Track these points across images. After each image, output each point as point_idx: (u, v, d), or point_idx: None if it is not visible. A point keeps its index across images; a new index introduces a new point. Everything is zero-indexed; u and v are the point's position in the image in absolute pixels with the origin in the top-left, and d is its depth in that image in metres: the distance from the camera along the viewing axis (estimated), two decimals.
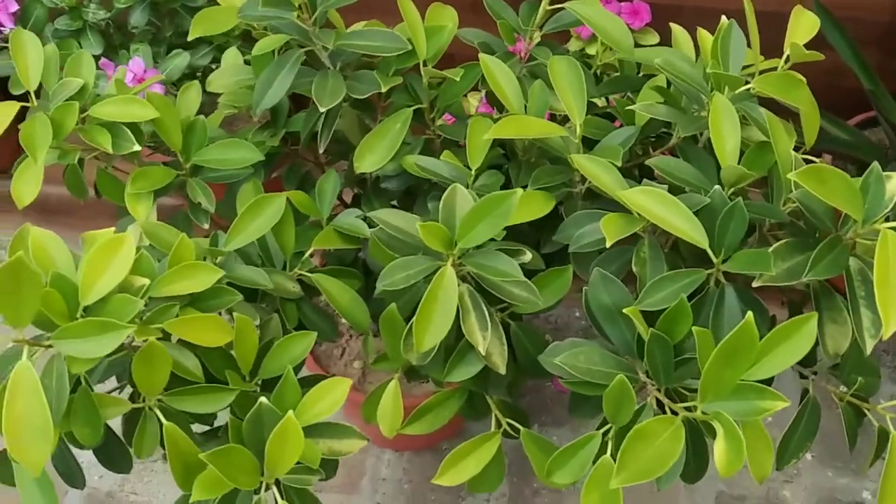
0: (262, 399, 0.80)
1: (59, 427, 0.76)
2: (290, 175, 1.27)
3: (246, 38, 1.50)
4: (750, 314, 0.72)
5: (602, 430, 0.86)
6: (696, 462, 0.87)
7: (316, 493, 1.65)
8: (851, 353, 0.93)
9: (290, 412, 0.76)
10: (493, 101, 1.11)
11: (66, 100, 0.97)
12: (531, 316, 1.81)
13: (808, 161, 0.97)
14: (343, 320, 1.52)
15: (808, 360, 0.97)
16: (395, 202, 1.20)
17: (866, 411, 0.93)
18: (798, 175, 0.76)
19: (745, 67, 1.02)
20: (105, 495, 1.66)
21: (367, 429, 1.70)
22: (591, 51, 1.39)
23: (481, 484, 1.04)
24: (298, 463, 0.80)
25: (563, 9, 1.05)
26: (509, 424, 1.04)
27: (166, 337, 0.83)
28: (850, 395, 0.92)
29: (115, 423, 0.95)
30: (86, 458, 1.67)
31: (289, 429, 0.76)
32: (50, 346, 0.74)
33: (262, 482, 0.81)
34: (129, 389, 0.90)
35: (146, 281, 0.79)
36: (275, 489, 0.81)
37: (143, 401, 0.85)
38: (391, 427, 1.05)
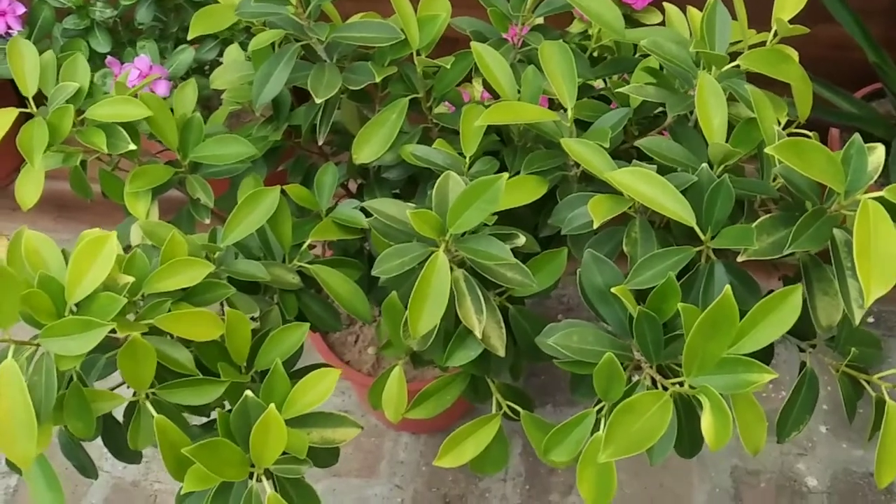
0: (248, 392, 0.82)
1: (51, 421, 0.79)
2: (296, 168, 1.29)
3: (250, 33, 1.52)
4: (728, 287, 0.73)
5: (597, 408, 0.87)
6: (690, 436, 0.88)
7: (334, 477, 1.68)
8: (845, 326, 0.94)
9: (272, 405, 0.78)
10: (489, 88, 1.13)
11: (63, 103, 1.00)
12: (542, 298, 1.83)
13: (801, 135, 0.97)
14: None
15: (806, 334, 0.98)
16: (397, 191, 1.22)
17: (864, 382, 0.93)
18: (775, 149, 0.77)
19: (734, 44, 1.02)
20: (130, 484, 1.70)
21: (383, 415, 1.73)
22: (594, 31, 1.40)
23: (484, 465, 1.05)
24: (286, 453, 0.82)
25: None
26: (510, 407, 1.06)
27: (160, 332, 0.85)
28: (844, 365, 0.92)
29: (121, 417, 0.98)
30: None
31: (270, 421, 0.78)
32: (38, 344, 0.77)
33: (253, 473, 0.83)
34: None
35: (130, 279, 0.82)
36: (265, 480, 0.82)
37: (136, 395, 0.88)
38: (396, 412, 1.07)
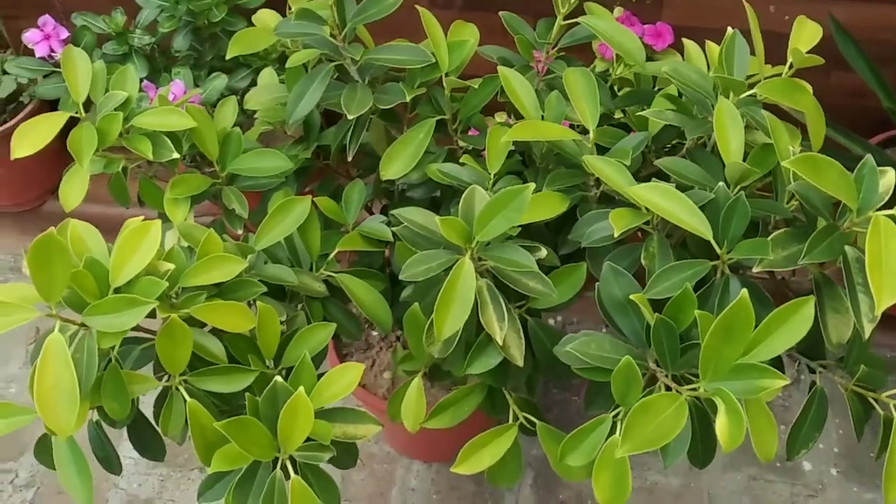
0: (278, 378, 0.85)
1: (89, 400, 0.82)
2: (322, 189, 1.33)
3: (282, 62, 1.58)
4: (744, 290, 0.76)
5: (612, 414, 0.90)
6: (703, 444, 0.90)
7: (346, 502, 1.70)
8: (855, 344, 0.96)
9: (301, 388, 0.81)
10: (512, 112, 1.17)
11: (112, 111, 1.05)
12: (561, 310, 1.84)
13: None
14: (374, 332, 1.58)
15: (816, 353, 1.01)
16: None
17: (872, 401, 0.96)
18: (793, 163, 0.81)
19: (750, 77, 1.07)
20: (144, 502, 1.72)
21: (396, 442, 1.75)
22: (614, 70, 1.44)
23: (500, 476, 1.08)
24: (311, 440, 0.85)
25: (577, 24, 1.11)
26: (526, 419, 1.09)
27: (194, 324, 0.89)
28: (853, 384, 0.95)
29: (149, 413, 1.01)
30: (127, 465, 1.73)
31: (299, 404, 0.82)
32: (82, 324, 0.80)
33: (278, 458, 0.85)
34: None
35: (171, 266, 0.86)
36: (290, 465, 0.85)
37: (170, 380, 0.91)
38: (414, 421, 1.09)
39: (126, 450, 1.78)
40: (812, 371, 1.02)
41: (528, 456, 1.75)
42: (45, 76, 1.63)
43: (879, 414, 0.96)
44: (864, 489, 1.69)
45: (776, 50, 1.15)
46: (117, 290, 0.83)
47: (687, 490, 1.70)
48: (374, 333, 1.58)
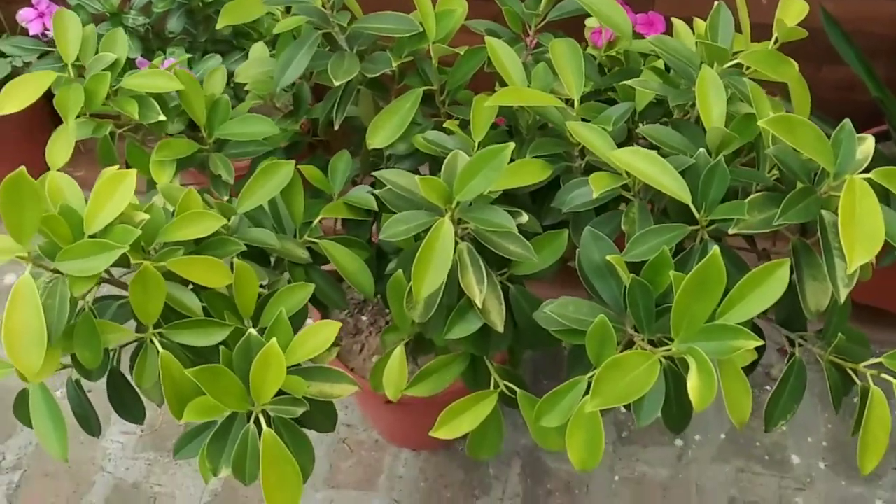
0: (252, 331, 0.85)
1: (60, 346, 0.82)
2: (312, 164, 1.33)
3: (275, 43, 1.58)
4: (716, 247, 0.76)
5: (588, 376, 0.90)
6: (678, 406, 0.90)
7: (332, 489, 1.69)
8: (834, 313, 0.96)
9: (274, 339, 0.81)
10: (500, 83, 1.17)
11: (100, 71, 1.05)
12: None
13: None
14: (364, 317, 1.58)
15: (796, 325, 1.00)
16: None
17: (850, 371, 0.96)
18: (768, 122, 0.81)
19: (737, 53, 1.07)
20: (131, 486, 1.72)
21: (385, 430, 1.75)
22: (601, 52, 1.45)
23: (480, 446, 1.07)
24: (285, 395, 0.84)
25: None
26: (507, 388, 1.08)
27: (172, 278, 0.89)
28: (831, 354, 0.95)
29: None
30: (115, 449, 1.73)
31: (271, 355, 0.82)
32: (55, 270, 0.80)
33: (251, 412, 0.85)
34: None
35: (146, 216, 0.86)
36: (262, 420, 0.85)
37: (145, 332, 0.91)
38: (395, 390, 1.09)
39: (114, 434, 1.80)
40: (792, 343, 1.01)
41: (516, 445, 1.75)
42: (39, 57, 1.64)
43: (858, 387, 0.96)
44: (853, 483, 1.68)
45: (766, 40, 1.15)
46: (92, 238, 0.83)
47: (675, 481, 1.69)
48: (364, 318, 1.58)
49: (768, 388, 1.78)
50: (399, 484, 1.71)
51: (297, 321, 0.98)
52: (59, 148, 1.04)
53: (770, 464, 1.71)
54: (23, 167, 0.75)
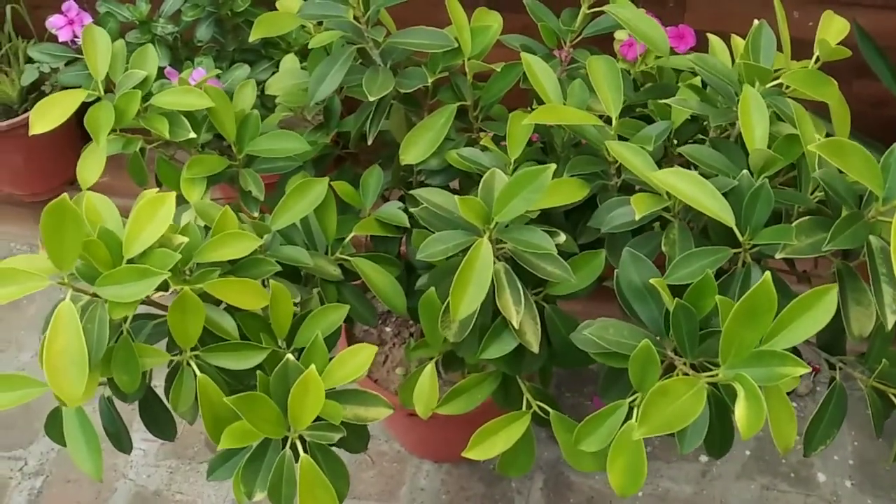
0: (290, 356, 0.84)
1: (99, 371, 0.82)
2: (341, 177, 1.32)
3: (305, 56, 1.58)
4: (767, 273, 0.75)
5: (629, 400, 0.88)
6: (720, 433, 0.89)
7: (354, 499, 1.68)
8: (877, 338, 0.95)
9: (312, 366, 0.80)
10: (535, 101, 1.16)
11: (130, 89, 1.04)
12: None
13: None
14: (387, 329, 1.57)
15: (836, 349, 0.99)
16: None
17: (892, 396, 0.94)
18: (819, 147, 0.79)
19: (776, 71, 1.06)
20: (152, 494, 1.71)
21: (407, 441, 1.74)
22: (636, 68, 1.44)
23: (512, 465, 1.06)
24: (321, 420, 0.83)
25: (602, 13, 1.11)
26: (540, 408, 1.07)
27: (208, 300, 0.88)
28: (874, 379, 0.93)
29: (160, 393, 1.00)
30: (136, 456, 1.72)
31: (310, 381, 0.81)
32: (95, 294, 0.79)
33: (287, 437, 0.84)
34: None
35: (185, 239, 0.85)
36: (299, 445, 0.84)
37: (181, 355, 0.90)
38: (426, 407, 1.08)
39: (136, 441, 1.78)
40: (832, 367, 1.00)
41: (539, 459, 1.73)
42: (66, 63, 1.63)
43: None
44: (879, 502, 1.66)
45: (801, 55, 1.13)
46: (130, 262, 0.82)
47: (699, 498, 1.68)
48: (388, 330, 1.57)
49: (794, 405, 1.76)
50: (421, 496, 1.70)
51: (331, 341, 0.97)
52: (91, 165, 1.03)
53: (796, 482, 1.70)
54: (65, 195, 0.74)
